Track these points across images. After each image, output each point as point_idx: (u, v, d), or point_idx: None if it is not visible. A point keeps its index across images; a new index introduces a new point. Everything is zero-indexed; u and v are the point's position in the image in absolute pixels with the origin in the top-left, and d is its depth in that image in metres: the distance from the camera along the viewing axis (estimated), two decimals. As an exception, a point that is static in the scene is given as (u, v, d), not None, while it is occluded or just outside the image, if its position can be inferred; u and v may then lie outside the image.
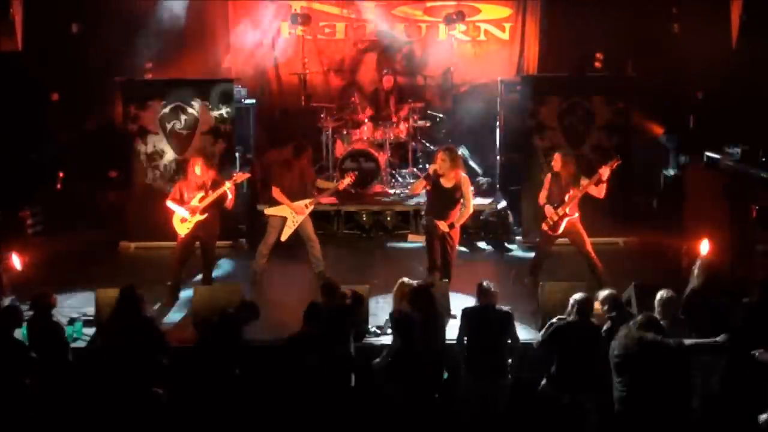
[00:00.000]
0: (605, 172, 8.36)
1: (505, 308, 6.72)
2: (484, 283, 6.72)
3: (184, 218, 8.47)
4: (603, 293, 6.84)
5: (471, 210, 8.40)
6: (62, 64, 10.78)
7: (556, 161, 8.59)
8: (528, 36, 12.57)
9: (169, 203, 8.51)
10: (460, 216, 8.29)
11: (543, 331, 6.68)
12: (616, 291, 6.93)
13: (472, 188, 8.50)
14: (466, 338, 6.62)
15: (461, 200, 8.22)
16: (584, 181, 8.46)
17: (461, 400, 6.58)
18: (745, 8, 10.35)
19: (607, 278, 8.21)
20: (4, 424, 6.02)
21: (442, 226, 8.20)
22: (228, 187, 8.43)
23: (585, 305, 6.47)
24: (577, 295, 6.56)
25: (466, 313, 6.67)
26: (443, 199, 8.20)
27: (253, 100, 11.59)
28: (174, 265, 8.66)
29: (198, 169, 8.43)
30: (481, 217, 10.70)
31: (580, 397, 6.31)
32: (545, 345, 6.56)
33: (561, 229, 8.54)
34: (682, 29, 11.28)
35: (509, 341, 6.61)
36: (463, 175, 8.23)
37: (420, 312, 6.51)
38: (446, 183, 8.16)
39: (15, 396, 6.09)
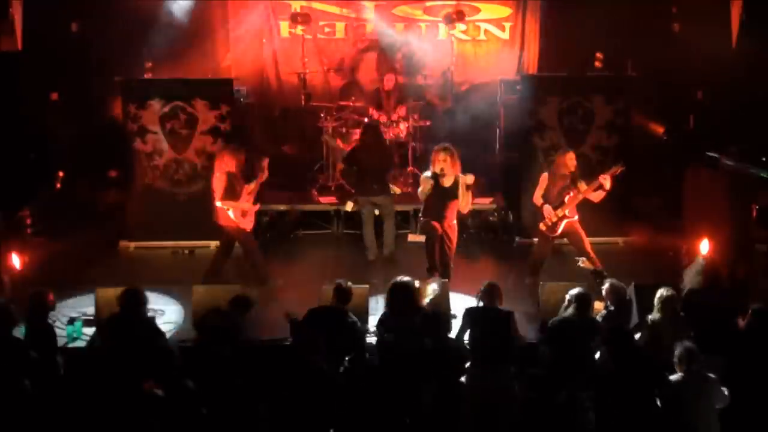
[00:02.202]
0: (606, 181, 8.33)
1: (506, 309, 6.70)
2: (489, 284, 6.71)
3: (245, 211, 8.51)
4: (610, 282, 6.91)
5: (469, 206, 8.39)
6: (62, 64, 10.77)
7: (571, 160, 8.52)
8: (528, 36, 12.57)
9: (224, 203, 8.53)
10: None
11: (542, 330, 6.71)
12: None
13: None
14: (467, 338, 6.62)
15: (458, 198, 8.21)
16: (582, 186, 8.45)
17: (465, 401, 6.58)
18: (745, 8, 10.35)
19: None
20: (3, 423, 6.01)
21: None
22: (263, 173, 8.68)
23: (582, 300, 6.48)
24: (574, 290, 6.58)
25: (469, 313, 6.66)
26: (442, 199, 8.19)
27: (253, 100, 11.58)
28: (221, 260, 8.76)
29: (239, 160, 8.55)
30: (481, 217, 10.70)
31: (578, 394, 6.31)
32: (545, 344, 6.57)
33: (559, 231, 8.54)
34: (682, 29, 11.28)
35: (512, 341, 6.60)
36: (461, 173, 8.21)
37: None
38: (446, 182, 8.16)
39: (14, 395, 6.09)
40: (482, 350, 6.47)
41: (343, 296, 6.87)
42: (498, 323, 6.55)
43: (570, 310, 6.58)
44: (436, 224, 8.22)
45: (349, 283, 6.95)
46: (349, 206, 10.11)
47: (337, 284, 6.91)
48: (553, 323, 6.62)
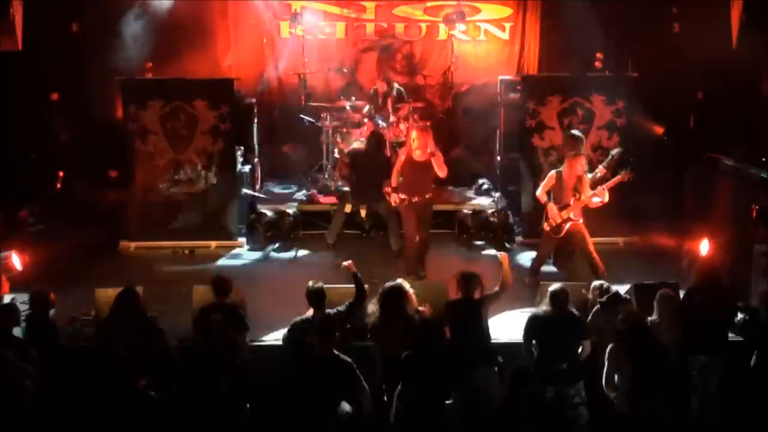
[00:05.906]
0: (604, 193, 8.41)
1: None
2: (465, 275, 6.82)
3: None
4: (594, 283, 7.07)
5: (444, 170, 8.76)
6: (62, 64, 10.78)
7: (582, 164, 8.52)
8: (528, 36, 12.59)
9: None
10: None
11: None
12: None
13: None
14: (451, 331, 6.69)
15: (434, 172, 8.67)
16: (587, 192, 8.47)
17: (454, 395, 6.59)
18: (745, 8, 10.34)
19: (608, 279, 8.19)
20: (3, 423, 6.02)
21: (394, 198, 8.80)
22: None
23: (560, 296, 6.49)
24: (552, 286, 6.59)
25: (447, 306, 6.78)
26: (415, 173, 8.65)
27: (253, 100, 11.59)
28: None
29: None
30: (481, 217, 10.69)
31: (566, 390, 6.29)
32: (525, 340, 6.60)
33: (563, 232, 8.55)
34: (682, 29, 11.28)
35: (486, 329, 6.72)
36: (436, 150, 8.63)
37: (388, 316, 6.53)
38: (419, 157, 8.57)
39: (15, 395, 6.10)
40: (463, 347, 6.54)
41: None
42: (475, 312, 6.68)
43: (547, 307, 6.56)
44: (409, 235, 8.78)
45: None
46: (347, 208, 10.21)
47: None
48: (533, 320, 6.64)
